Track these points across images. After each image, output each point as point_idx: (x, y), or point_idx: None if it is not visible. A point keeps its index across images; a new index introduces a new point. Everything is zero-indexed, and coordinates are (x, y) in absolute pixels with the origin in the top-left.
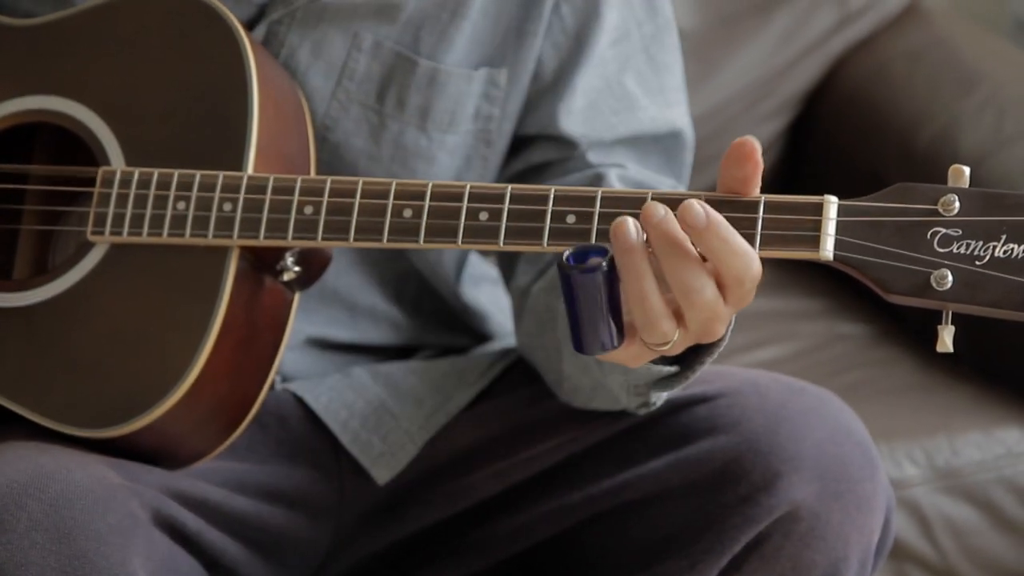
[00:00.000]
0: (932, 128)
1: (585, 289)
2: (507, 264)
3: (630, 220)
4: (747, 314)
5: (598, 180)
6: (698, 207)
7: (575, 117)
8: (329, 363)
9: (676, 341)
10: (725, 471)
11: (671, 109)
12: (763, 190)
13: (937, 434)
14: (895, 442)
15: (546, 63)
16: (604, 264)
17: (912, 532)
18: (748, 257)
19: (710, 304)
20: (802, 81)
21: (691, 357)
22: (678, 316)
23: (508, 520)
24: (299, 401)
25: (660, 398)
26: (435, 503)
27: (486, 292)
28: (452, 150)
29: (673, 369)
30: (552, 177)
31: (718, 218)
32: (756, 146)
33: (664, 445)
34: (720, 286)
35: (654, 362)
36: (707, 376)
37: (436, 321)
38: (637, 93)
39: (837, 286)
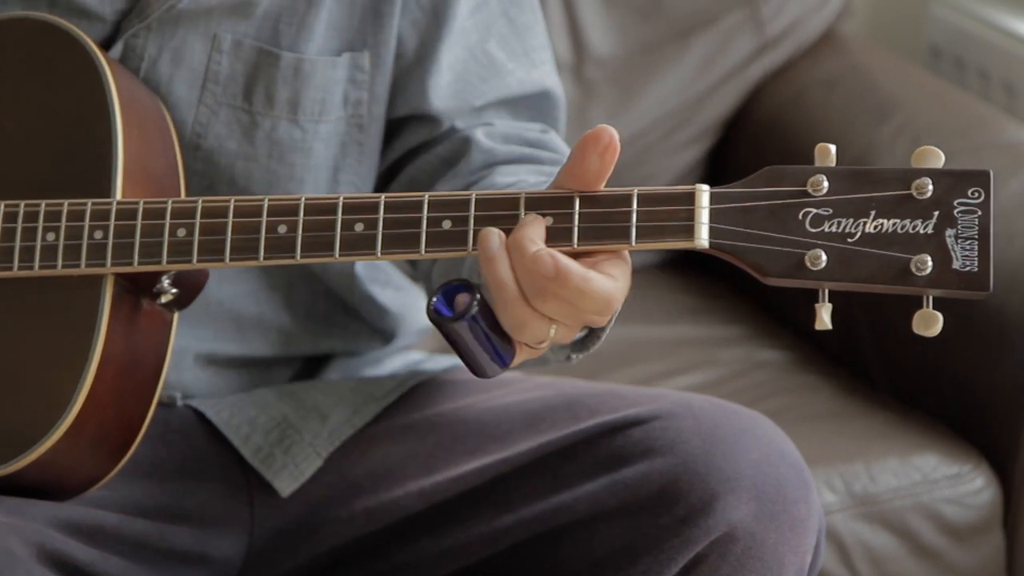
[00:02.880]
0: (849, 155)
1: (463, 334)
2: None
3: (494, 233)
4: (667, 341)
5: (465, 143)
6: (547, 259)
7: (444, 91)
8: (229, 380)
9: (555, 336)
10: (662, 493)
11: (537, 69)
12: None
13: (855, 461)
14: (813, 468)
15: (406, 41)
16: (475, 304)
17: (830, 558)
18: (603, 300)
19: (575, 320)
20: (721, 108)
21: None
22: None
23: (435, 542)
24: (201, 417)
25: (579, 356)
26: (354, 520)
27: (387, 292)
28: (326, 139)
29: (582, 333)
30: (425, 154)
31: (567, 269)
32: (615, 136)
33: (599, 467)
34: None
35: None
36: (639, 398)
37: (331, 325)
38: (502, 58)
39: (756, 312)
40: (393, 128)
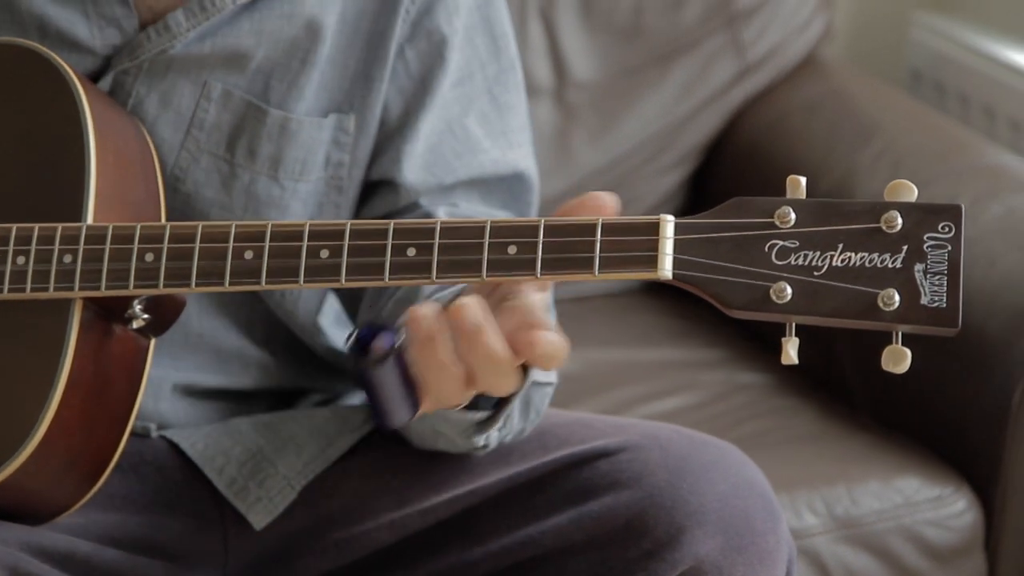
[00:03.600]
0: (830, 179)
1: (378, 377)
2: (351, 308)
3: (427, 309)
4: (648, 364)
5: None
6: (470, 313)
7: (416, 162)
8: (206, 411)
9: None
10: (629, 526)
11: (513, 150)
12: None
13: (836, 483)
14: (795, 491)
15: (392, 108)
16: (395, 350)
17: None
18: (503, 366)
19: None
20: (702, 132)
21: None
22: (469, 379)
23: (406, 574)
24: (176, 449)
25: (491, 439)
26: (327, 553)
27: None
28: (304, 198)
29: (483, 414)
30: None
31: (476, 327)
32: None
33: (566, 500)
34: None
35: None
36: (607, 429)
37: (310, 363)
38: (479, 135)
39: (738, 336)
40: (365, 192)
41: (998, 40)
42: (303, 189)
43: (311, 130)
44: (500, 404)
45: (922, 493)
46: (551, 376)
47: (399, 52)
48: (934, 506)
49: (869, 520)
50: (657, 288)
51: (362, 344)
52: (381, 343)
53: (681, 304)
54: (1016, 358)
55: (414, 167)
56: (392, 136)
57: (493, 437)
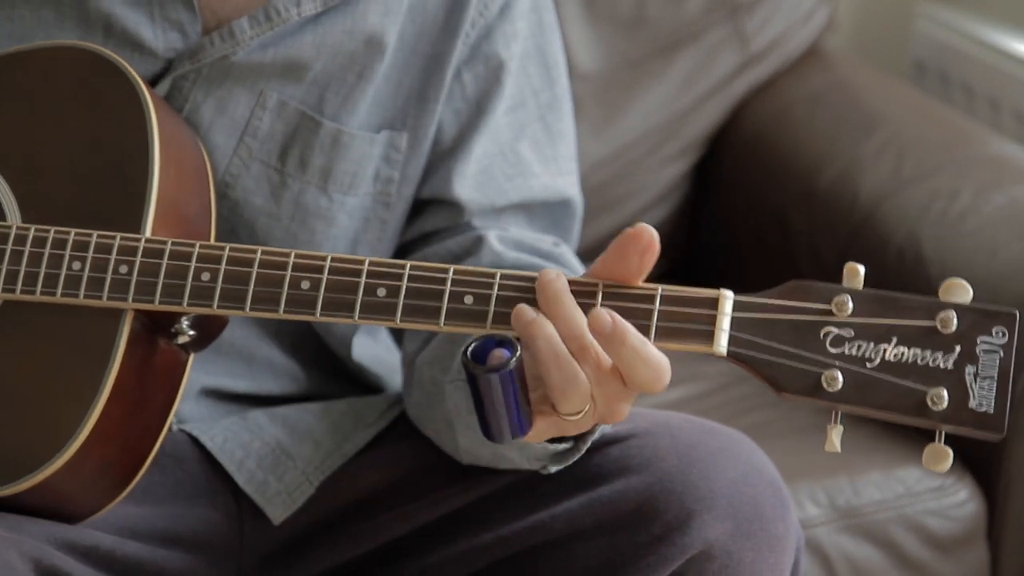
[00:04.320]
0: (833, 170)
1: (493, 387)
2: (396, 332)
3: (526, 306)
4: None
5: (477, 242)
6: (606, 315)
7: (468, 182)
8: (226, 410)
9: (587, 413)
10: (639, 511)
11: (563, 178)
12: (667, 233)
13: (838, 474)
14: (797, 482)
15: (446, 129)
16: (513, 360)
17: (815, 572)
18: (659, 369)
19: (614, 394)
20: (705, 123)
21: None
22: (605, 379)
23: (416, 562)
24: (195, 442)
25: (559, 467)
26: (340, 545)
27: (380, 353)
28: (351, 211)
29: (567, 445)
30: (438, 243)
31: (624, 327)
32: (656, 237)
33: (576, 486)
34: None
35: None
36: None
37: (335, 375)
38: (531, 160)
39: None
40: (415, 209)
41: (1002, 31)
42: (351, 203)
43: (363, 144)
44: (579, 437)
45: (924, 483)
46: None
47: (456, 74)
48: (936, 496)
49: (871, 510)
50: (660, 279)
51: (479, 354)
52: (500, 353)
53: None
54: (1019, 347)
55: (466, 186)
56: (444, 156)
57: (561, 466)
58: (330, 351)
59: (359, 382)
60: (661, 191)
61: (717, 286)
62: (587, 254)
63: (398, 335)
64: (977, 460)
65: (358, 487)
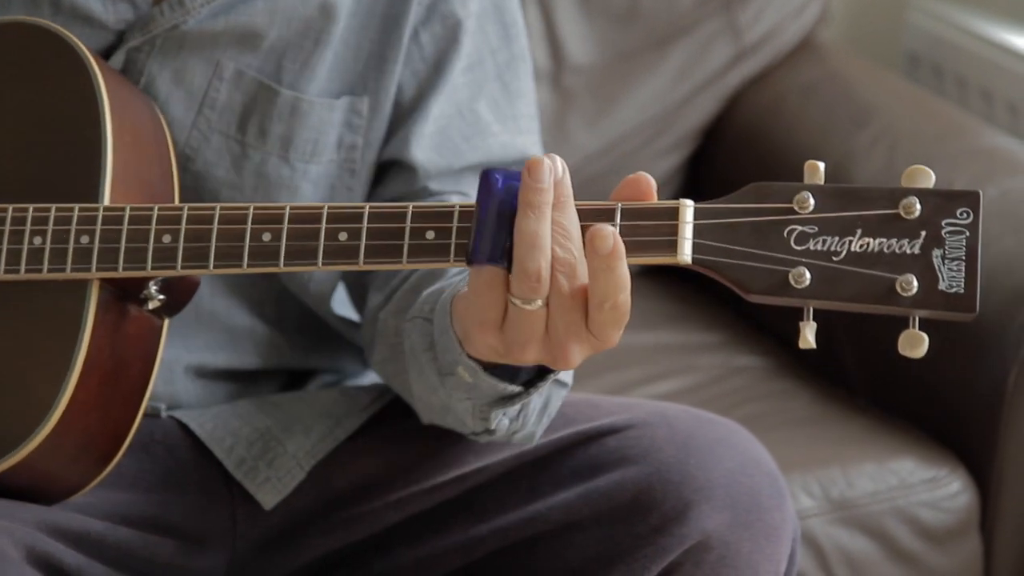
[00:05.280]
0: (827, 162)
1: (495, 199)
2: (359, 291)
3: (548, 163)
4: (646, 348)
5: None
6: (610, 231)
7: (425, 142)
8: (217, 392)
9: (536, 339)
10: (636, 501)
11: (523, 136)
12: None
13: (832, 466)
14: (791, 474)
15: (405, 91)
16: (506, 190)
17: (808, 563)
18: (626, 288)
19: (571, 325)
20: (699, 116)
21: (533, 380)
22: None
23: (412, 551)
24: (186, 429)
25: (502, 424)
26: (334, 531)
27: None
28: (315, 180)
29: (516, 388)
30: None
31: (622, 249)
32: (652, 183)
33: (573, 477)
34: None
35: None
36: (614, 408)
37: (320, 341)
38: (489, 119)
39: (735, 319)
40: (376, 175)
41: (996, 23)
42: (314, 171)
43: (322, 111)
44: (528, 386)
45: (917, 475)
46: (569, 377)
47: (414, 35)
48: (929, 487)
49: (864, 502)
50: (654, 271)
51: (489, 179)
52: (500, 176)
53: (678, 287)
54: (1011, 340)
55: (423, 147)
56: (404, 118)
57: (503, 424)
58: (313, 317)
59: (346, 348)
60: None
61: (712, 283)
62: None
63: (358, 301)
64: (970, 452)
65: (351, 473)
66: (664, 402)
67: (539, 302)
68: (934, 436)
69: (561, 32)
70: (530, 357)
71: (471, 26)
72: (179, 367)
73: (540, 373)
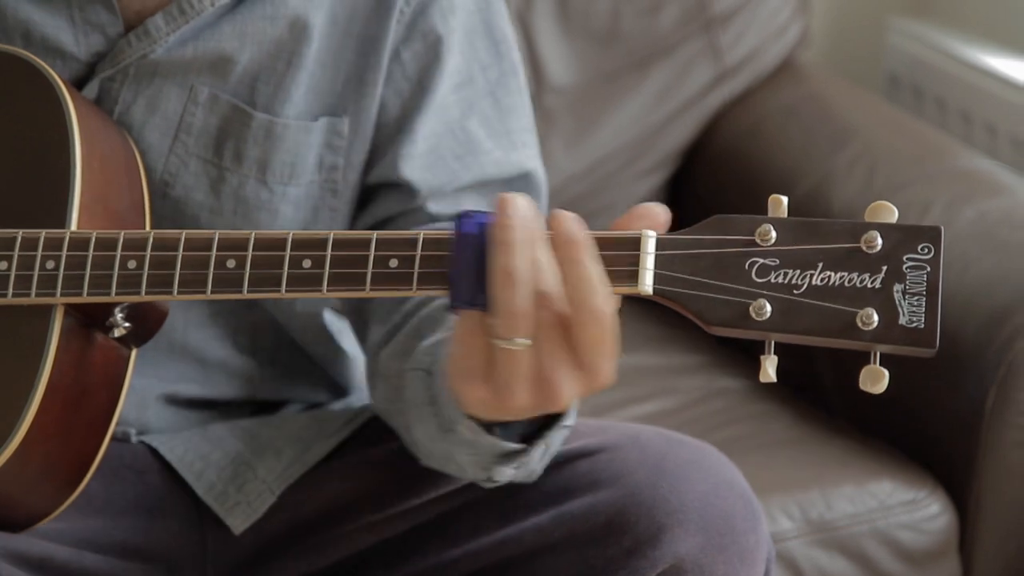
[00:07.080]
0: (806, 183)
1: (470, 241)
2: (360, 324)
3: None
4: (627, 369)
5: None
6: (569, 216)
7: (415, 162)
8: (189, 418)
9: (522, 372)
10: (609, 524)
11: (518, 151)
12: None
13: (811, 488)
14: (770, 496)
15: (389, 110)
16: (482, 229)
17: None
18: (608, 298)
19: (556, 352)
20: (680, 137)
21: (534, 436)
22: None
23: (385, 574)
24: (156, 454)
25: (505, 475)
26: (306, 556)
27: (348, 338)
28: (296, 202)
29: (517, 446)
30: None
31: (582, 236)
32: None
33: (546, 500)
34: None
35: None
36: (586, 431)
37: (295, 373)
38: (481, 136)
39: (716, 342)
40: (367, 195)
41: (975, 45)
42: (293, 193)
43: (298, 134)
44: (529, 440)
45: (896, 496)
46: (572, 418)
47: (395, 55)
48: (908, 509)
49: (843, 524)
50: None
51: (461, 222)
52: (474, 217)
53: (660, 310)
54: (989, 361)
55: (414, 167)
56: (390, 137)
57: (507, 474)
58: (291, 348)
59: (320, 379)
60: (635, 205)
61: None
62: None
63: (360, 332)
64: (949, 474)
65: (322, 497)
66: (638, 424)
67: (522, 341)
68: (913, 458)
69: (541, 53)
70: (520, 401)
71: (455, 43)
72: (151, 395)
73: (546, 423)
